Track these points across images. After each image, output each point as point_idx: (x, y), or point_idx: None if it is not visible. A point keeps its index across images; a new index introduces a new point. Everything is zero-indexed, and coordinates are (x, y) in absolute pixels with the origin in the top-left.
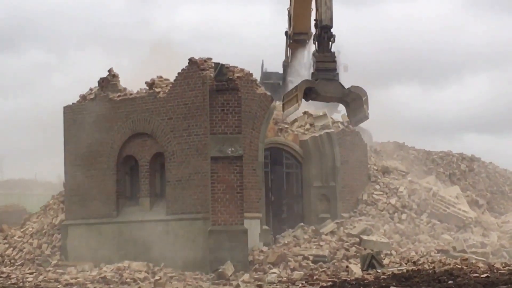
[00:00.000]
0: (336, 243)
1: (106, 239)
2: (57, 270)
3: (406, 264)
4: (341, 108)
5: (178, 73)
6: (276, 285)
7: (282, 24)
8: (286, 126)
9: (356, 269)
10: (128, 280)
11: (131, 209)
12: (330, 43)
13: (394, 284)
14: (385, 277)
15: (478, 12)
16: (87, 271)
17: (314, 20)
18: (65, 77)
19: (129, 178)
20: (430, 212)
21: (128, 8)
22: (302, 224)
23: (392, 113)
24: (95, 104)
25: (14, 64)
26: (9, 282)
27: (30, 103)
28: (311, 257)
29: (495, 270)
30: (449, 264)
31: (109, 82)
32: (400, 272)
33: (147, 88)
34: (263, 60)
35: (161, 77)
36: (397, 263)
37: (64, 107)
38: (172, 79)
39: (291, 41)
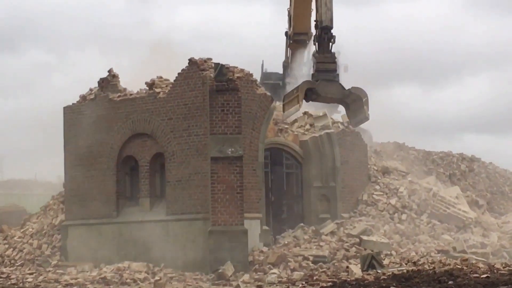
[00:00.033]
0: (336, 244)
1: (106, 239)
2: (57, 271)
3: (406, 264)
4: (341, 108)
5: (178, 74)
6: (276, 285)
7: (282, 25)
8: (286, 126)
9: (356, 270)
10: (128, 280)
11: (131, 209)
12: (331, 44)
13: (394, 284)
14: (385, 277)
15: (478, 12)
16: (87, 271)
17: (314, 21)
18: (65, 77)
19: (129, 179)
20: (430, 212)
21: (128, 8)
22: (302, 224)
23: (392, 113)
24: (95, 105)
25: (14, 64)
26: (9, 283)
27: (30, 103)
28: (311, 258)
29: (495, 271)
30: (449, 264)
31: (109, 82)
32: (400, 272)
33: (147, 88)
34: (263, 61)
35: (161, 77)
36: (397, 264)
37: (64, 108)
38: (172, 79)
39: (291, 42)
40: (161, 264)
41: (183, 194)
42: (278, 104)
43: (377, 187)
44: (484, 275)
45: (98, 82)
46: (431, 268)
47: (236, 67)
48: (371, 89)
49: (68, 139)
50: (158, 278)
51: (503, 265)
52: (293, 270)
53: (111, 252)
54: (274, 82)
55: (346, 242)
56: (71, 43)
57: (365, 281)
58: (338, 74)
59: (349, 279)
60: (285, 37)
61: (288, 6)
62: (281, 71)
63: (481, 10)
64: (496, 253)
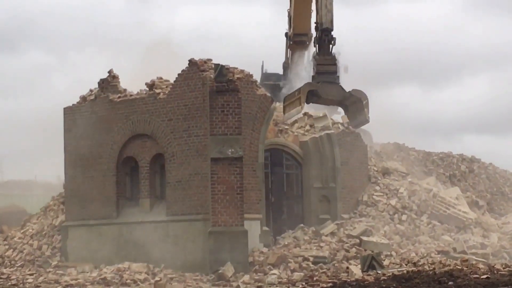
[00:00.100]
0: (336, 244)
1: (106, 240)
2: (57, 271)
3: (406, 265)
4: (341, 109)
5: (178, 74)
6: (276, 286)
7: (282, 25)
8: (286, 127)
9: (356, 270)
10: (128, 281)
11: (131, 210)
12: (331, 46)
13: (394, 285)
14: (385, 278)
15: (478, 13)
16: (87, 272)
17: (315, 23)
18: (65, 78)
19: (129, 179)
20: (430, 213)
21: (128, 9)
22: (302, 225)
23: (392, 114)
24: (95, 105)
25: (14, 64)
26: (9, 284)
27: (30, 104)
28: (311, 258)
29: (495, 271)
30: (449, 265)
31: (109, 83)
32: (400, 273)
33: (147, 89)
34: (263, 61)
35: (161, 78)
36: (397, 264)
37: (64, 108)
38: (172, 80)
39: (291, 42)
40: (161, 264)
41: (183, 195)
42: (278, 105)
43: (377, 187)
44: (484, 276)
45: (98, 82)
46: (431, 268)
47: (236, 68)
48: (371, 90)
49: (68, 139)
50: (158, 278)
51: (503, 265)
52: (293, 270)
53: (111, 252)
54: (274, 83)
55: (346, 243)
56: (71, 44)
57: (365, 282)
58: (338, 76)
59: (349, 280)
60: (285, 38)
61: (288, 7)
62: (281, 72)
63: (481, 11)
64: (496, 254)
